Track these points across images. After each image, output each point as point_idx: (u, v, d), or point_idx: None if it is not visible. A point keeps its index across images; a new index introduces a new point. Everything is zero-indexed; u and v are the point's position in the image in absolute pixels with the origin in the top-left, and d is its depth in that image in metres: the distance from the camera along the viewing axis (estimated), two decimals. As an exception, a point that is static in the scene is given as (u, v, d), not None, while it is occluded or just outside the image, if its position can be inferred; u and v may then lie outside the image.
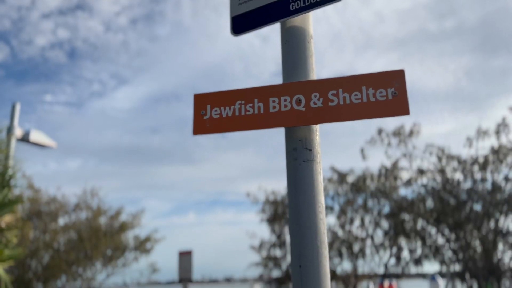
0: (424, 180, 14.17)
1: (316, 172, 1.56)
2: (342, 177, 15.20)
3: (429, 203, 14.11)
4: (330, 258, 15.62)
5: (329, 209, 15.96)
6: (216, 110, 1.76)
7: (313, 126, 1.64)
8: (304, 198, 1.51)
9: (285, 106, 1.65)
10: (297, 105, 1.63)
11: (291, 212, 1.54)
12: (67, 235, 22.14)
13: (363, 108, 1.59)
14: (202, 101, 1.79)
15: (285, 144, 1.66)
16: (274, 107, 1.67)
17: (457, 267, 13.97)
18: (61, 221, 22.49)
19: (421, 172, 14.00)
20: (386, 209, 14.98)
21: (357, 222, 15.65)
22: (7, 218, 5.83)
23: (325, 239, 1.49)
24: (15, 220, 5.90)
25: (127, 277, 23.18)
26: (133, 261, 23.08)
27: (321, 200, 1.53)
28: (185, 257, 13.86)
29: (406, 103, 1.57)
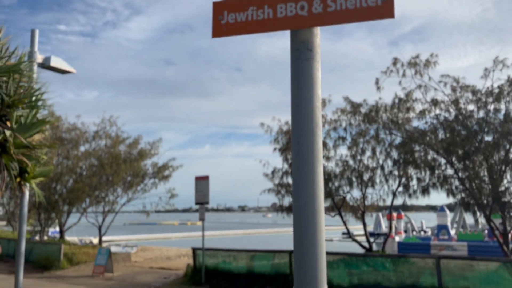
0: (437, 111, 14.28)
1: (315, 69, 1.84)
2: (355, 107, 15.37)
3: (440, 134, 14.31)
4: (340, 186, 16.23)
5: (341, 139, 16.32)
6: (231, 16, 2.05)
7: (314, 28, 1.90)
8: (304, 89, 1.80)
9: (291, 11, 1.91)
10: (300, 10, 1.88)
11: (293, 102, 1.85)
12: (88, 162, 23.19)
13: (356, 12, 1.83)
14: (219, 7, 2.09)
15: (290, 45, 1.94)
16: (281, 13, 1.93)
17: (464, 197, 14.46)
18: (82, 148, 23.44)
19: (434, 103, 14.07)
20: (398, 140, 15.26)
21: (368, 152, 16.05)
22: (37, 137, 6.26)
23: (319, 122, 1.79)
24: (44, 140, 6.35)
25: (147, 201, 24.51)
26: (152, 186, 24.27)
27: (318, 91, 1.82)
28: (202, 181, 14.54)
29: (392, 7, 1.81)
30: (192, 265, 14.72)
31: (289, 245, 11.91)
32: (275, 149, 16.67)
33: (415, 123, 15.07)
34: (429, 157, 14.81)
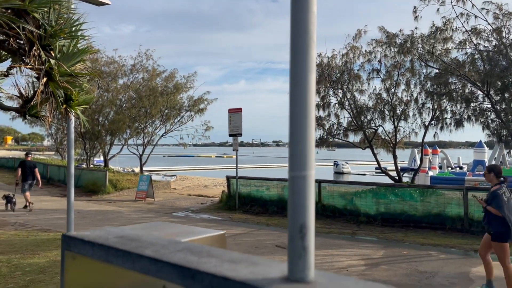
0: (476, 41, 13.69)
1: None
2: (390, 38, 14.92)
3: (479, 65, 13.82)
4: (372, 119, 16.24)
5: (376, 72, 16.07)
6: None
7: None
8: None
9: None
10: None
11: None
12: (127, 94, 24.03)
13: None
14: None
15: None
16: None
17: (499, 131, 14.21)
18: (120, 81, 24.20)
19: (474, 32, 13.46)
20: (433, 72, 14.87)
21: (402, 85, 15.79)
22: (78, 67, 6.70)
23: (314, 32, 1.99)
24: (85, 70, 6.79)
25: (184, 133, 25.43)
26: (188, 119, 25.04)
27: (314, 9, 1.99)
28: (235, 114, 14.96)
29: None
30: (226, 192, 15.60)
31: (319, 177, 12.41)
32: (307, 82, 16.62)
33: (453, 54, 14.55)
34: (466, 90, 14.45)
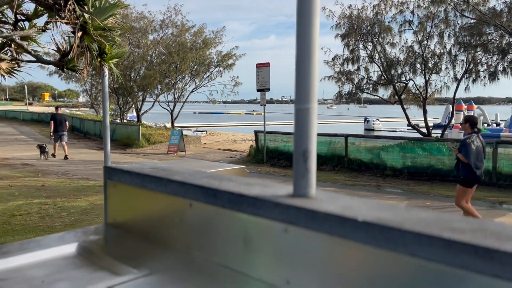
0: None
1: None
2: (424, -14, 14.33)
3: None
4: (403, 73, 15.93)
5: (408, 23, 15.58)
6: None
7: None
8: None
9: None
10: None
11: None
12: (157, 50, 24.29)
13: None
14: None
15: None
16: None
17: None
18: (150, 37, 24.41)
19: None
20: (469, 22, 14.28)
21: (435, 38, 15.29)
22: (110, 21, 6.93)
23: None
24: (116, 23, 7.01)
25: (213, 89, 25.68)
26: (217, 75, 25.20)
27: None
28: (262, 68, 15.01)
29: None
30: (254, 147, 15.94)
31: (347, 132, 12.42)
32: (337, 35, 16.38)
33: (490, 3, 13.87)
34: (503, 41, 13.87)
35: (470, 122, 6.53)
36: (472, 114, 33.64)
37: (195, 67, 24.28)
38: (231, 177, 1.91)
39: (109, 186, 2.15)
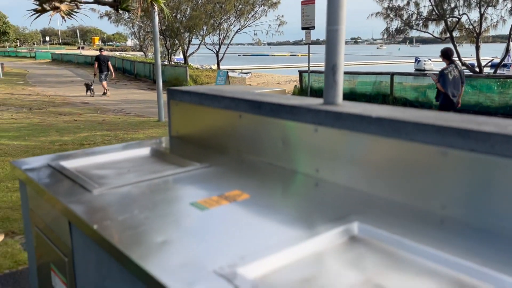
0: None
1: None
2: None
3: None
4: (456, 7, 15.09)
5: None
6: None
7: None
8: None
9: None
10: None
11: None
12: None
13: None
14: None
15: None
16: None
17: None
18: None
19: None
20: None
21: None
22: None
23: None
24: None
25: (257, 29, 25.49)
26: (262, 14, 24.88)
27: None
28: (308, 6, 14.74)
29: None
30: (298, 87, 16.05)
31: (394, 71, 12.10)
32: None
33: None
34: None
35: (446, 55, 7.07)
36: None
37: (240, 6, 24.06)
38: (273, 94, 2.25)
39: (172, 105, 2.57)
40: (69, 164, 1.96)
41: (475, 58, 15.07)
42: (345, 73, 14.90)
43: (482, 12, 14.47)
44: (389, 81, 12.69)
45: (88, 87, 15.57)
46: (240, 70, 33.03)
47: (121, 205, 1.42)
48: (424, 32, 16.33)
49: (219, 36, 25.65)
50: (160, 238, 1.17)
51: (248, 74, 28.60)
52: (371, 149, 1.52)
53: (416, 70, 46.37)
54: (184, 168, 1.87)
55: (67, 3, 6.81)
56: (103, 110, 11.44)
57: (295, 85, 16.78)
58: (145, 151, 2.22)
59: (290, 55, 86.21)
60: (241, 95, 2.15)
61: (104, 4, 6.27)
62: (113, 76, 16.46)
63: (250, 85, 22.64)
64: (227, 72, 18.44)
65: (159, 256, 1.07)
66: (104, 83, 15.60)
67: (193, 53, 27.59)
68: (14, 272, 2.86)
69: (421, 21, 15.80)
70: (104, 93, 15.54)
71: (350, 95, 13.71)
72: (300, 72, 15.99)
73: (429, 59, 48.89)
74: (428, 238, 1.16)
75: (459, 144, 1.28)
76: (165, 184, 1.65)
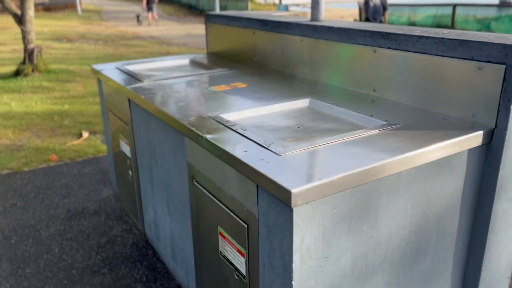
0: None
1: None
2: None
3: None
4: None
5: None
6: None
7: None
8: None
9: None
10: None
11: None
12: None
13: None
14: None
15: None
16: None
17: None
18: None
19: None
20: None
21: None
22: None
23: None
24: None
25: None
26: None
27: None
28: None
29: None
30: (358, 19, 15.84)
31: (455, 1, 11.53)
32: None
33: None
34: None
35: None
36: None
37: None
38: (279, 15, 2.80)
39: (208, 27, 3.22)
40: (130, 67, 2.72)
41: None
42: (404, 5, 14.44)
43: None
44: (450, 13, 12.25)
45: (137, 18, 18.39)
46: (304, 5, 32.32)
47: (160, 88, 2.16)
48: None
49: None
50: (181, 104, 1.88)
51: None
52: (335, 52, 2.10)
53: (501, 1, 42.32)
54: (209, 70, 2.56)
55: None
56: (168, 43, 12.34)
57: (355, 19, 16.53)
58: (185, 61, 2.94)
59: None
60: (255, 16, 2.75)
61: None
62: (156, 1, 18.69)
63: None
64: (287, 6, 18.46)
65: (180, 111, 1.79)
66: (150, 14, 18.07)
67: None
68: (96, 157, 3.82)
69: None
70: (149, 24, 18.12)
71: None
72: (360, 5, 15.68)
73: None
74: (356, 107, 1.77)
75: (456, 53, 1.76)
76: (194, 79, 2.36)
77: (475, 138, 1.44)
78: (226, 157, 1.34)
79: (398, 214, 1.37)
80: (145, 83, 2.27)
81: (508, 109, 1.41)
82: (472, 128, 1.46)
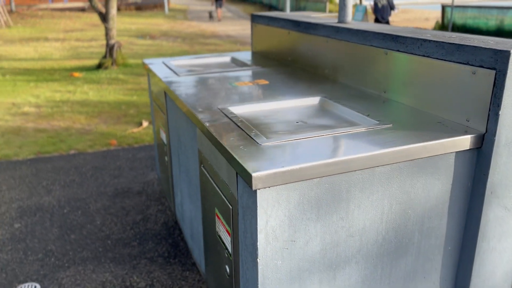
0: None
1: None
2: None
3: None
4: None
5: None
6: None
7: None
8: None
9: None
10: None
11: None
12: None
13: None
14: None
15: None
16: None
17: None
18: None
19: None
20: None
21: None
22: None
23: None
24: None
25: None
26: None
27: None
28: None
29: None
30: (440, 23, 15.05)
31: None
32: None
33: None
34: None
35: None
36: None
37: None
38: (312, 16, 2.88)
39: (253, 27, 3.39)
40: (174, 62, 2.98)
41: None
42: (492, 7, 13.44)
43: None
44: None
45: (210, 14, 20.14)
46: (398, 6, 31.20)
47: (190, 82, 2.36)
48: None
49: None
50: (201, 96, 2.07)
51: (396, 9, 27.04)
52: (353, 53, 2.16)
53: None
54: (243, 68, 2.72)
55: None
56: (242, 43, 12.74)
57: (437, 21, 15.75)
58: (227, 59, 3.13)
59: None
60: (291, 17, 2.87)
61: None
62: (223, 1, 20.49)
63: (393, 21, 21.65)
64: (366, 7, 18.06)
65: (196, 102, 1.98)
66: (219, 10, 19.76)
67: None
68: (150, 145, 4.17)
69: None
70: (219, 20, 19.74)
71: (496, 34, 12.51)
72: (443, 7, 14.93)
73: None
74: (361, 107, 1.84)
75: (392, 46, 1.87)
76: (224, 75, 2.54)
77: (463, 142, 1.45)
78: (216, 143, 1.50)
79: (373, 209, 1.43)
80: (180, 77, 2.49)
81: (497, 114, 1.41)
82: (465, 132, 1.47)
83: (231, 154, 1.35)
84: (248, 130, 1.54)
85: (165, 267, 2.34)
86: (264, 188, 1.24)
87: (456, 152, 1.47)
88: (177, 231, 2.67)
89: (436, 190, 1.50)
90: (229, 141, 1.44)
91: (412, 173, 1.44)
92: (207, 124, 1.62)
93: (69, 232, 2.68)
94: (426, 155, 1.41)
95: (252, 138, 1.46)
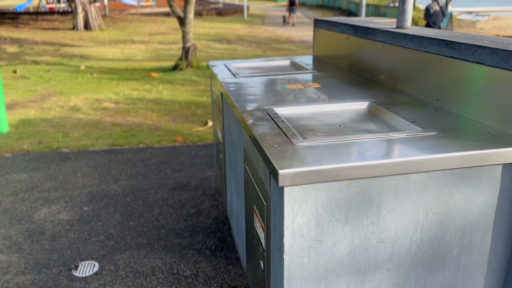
0: None
1: None
2: None
3: None
4: None
5: None
6: None
7: None
8: None
9: None
10: None
11: None
12: None
13: None
14: None
15: None
16: None
17: None
18: None
19: None
20: None
21: None
22: None
23: None
24: None
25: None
26: None
27: None
28: None
29: None
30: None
31: None
32: None
33: None
34: None
35: None
36: None
37: None
38: (372, 21, 2.82)
39: (315, 32, 3.40)
40: (235, 64, 3.09)
41: None
42: None
43: None
44: None
45: (284, 19, 21.50)
46: (477, 13, 29.41)
47: (245, 84, 2.45)
48: None
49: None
50: (251, 97, 2.14)
51: (485, 17, 25.41)
52: (408, 59, 2.11)
53: None
54: (300, 71, 2.76)
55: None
56: (308, 47, 12.73)
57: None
58: (286, 62, 3.19)
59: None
60: (350, 22, 2.85)
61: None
62: (297, 5, 21.25)
63: (482, 29, 20.29)
64: (451, 13, 17.14)
65: (245, 102, 2.05)
66: (291, 15, 20.80)
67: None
68: (213, 144, 4.34)
69: None
70: (293, 24, 20.66)
71: None
72: None
73: None
74: (411, 114, 1.81)
75: (446, 52, 1.81)
76: (280, 78, 2.59)
77: (510, 154, 1.37)
78: (254, 141, 1.56)
79: (407, 217, 1.40)
80: (237, 79, 2.58)
81: (550, 126, 1.31)
82: (514, 144, 1.39)
83: (264, 152, 1.40)
84: (287, 130, 1.57)
85: (210, 259, 2.44)
86: (291, 185, 1.28)
87: (504, 164, 1.39)
88: (226, 226, 2.76)
89: (479, 203, 1.43)
90: (266, 140, 1.49)
91: (452, 183, 1.39)
92: (249, 123, 1.68)
93: (129, 218, 2.88)
94: (467, 165, 1.36)
95: (288, 138, 1.50)
